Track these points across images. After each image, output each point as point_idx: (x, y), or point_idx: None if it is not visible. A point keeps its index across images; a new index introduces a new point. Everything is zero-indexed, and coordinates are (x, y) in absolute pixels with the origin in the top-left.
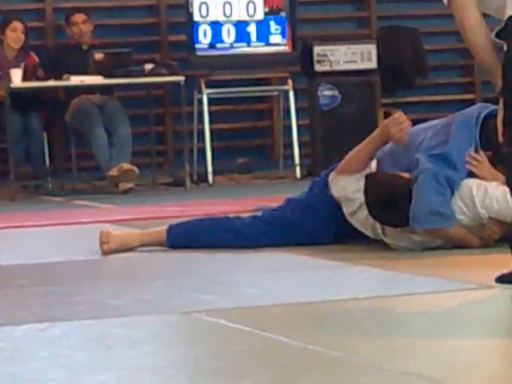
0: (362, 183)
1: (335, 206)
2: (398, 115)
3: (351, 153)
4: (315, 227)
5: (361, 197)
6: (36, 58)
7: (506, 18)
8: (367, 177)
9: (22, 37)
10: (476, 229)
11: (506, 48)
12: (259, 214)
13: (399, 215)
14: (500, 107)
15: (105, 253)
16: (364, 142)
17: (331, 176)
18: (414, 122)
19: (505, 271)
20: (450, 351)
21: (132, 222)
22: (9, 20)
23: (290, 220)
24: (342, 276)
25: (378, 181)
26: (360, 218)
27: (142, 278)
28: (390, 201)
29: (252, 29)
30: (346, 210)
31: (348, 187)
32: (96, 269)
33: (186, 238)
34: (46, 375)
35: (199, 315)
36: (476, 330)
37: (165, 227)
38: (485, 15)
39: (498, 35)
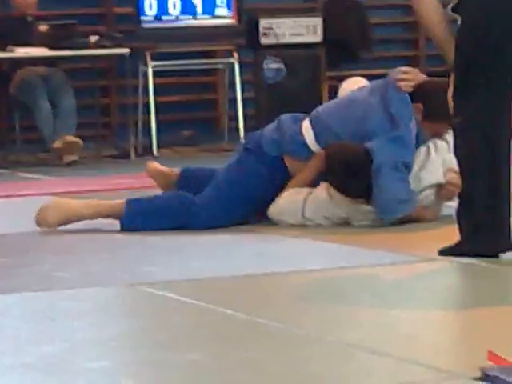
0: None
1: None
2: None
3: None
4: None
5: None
6: None
7: None
8: (327, 147)
9: None
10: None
11: (459, 22)
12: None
13: (358, 185)
14: (451, 81)
15: (49, 225)
16: (298, 178)
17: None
18: None
19: (448, 244)
20: (392, 323)
21: (76, 194)
22: None
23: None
24: (288, 248)
25: (339, 149)
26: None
27: (88, 250)
28: (350, 168)
29: (198, 1)
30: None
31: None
32: (41, 241)
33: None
34: None
35: (145, 287)
36: (419, 302)
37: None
38: None
39: (453, 9)
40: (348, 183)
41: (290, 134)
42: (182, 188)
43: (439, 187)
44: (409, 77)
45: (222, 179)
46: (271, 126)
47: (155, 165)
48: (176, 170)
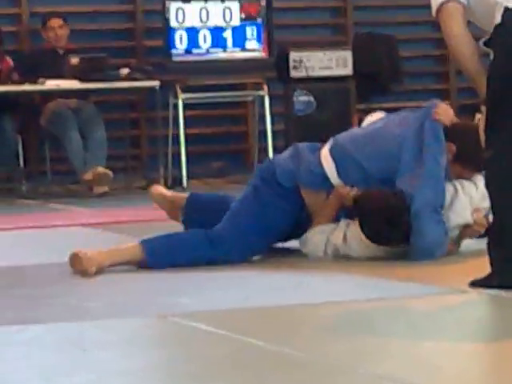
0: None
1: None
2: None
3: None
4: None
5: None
6: (10, 62)
7: (493, 27)
8: (359, 196)
9: None
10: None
11: (492, 57)
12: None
13: (395, 233)
14: (482, 115)
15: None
16: (321, 219)
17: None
18: None
19: (479, 276)
20: (424, 354)
21: (106, 225)
22: None
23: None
24: (318, 280)
25: (370, 197)
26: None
27: (117, 281)
28: (386, 217)
29: (228, 34)
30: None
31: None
32: (69, 272)
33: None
34: (19, 377)
35: (173, 318)
36: (450, 333)
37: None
38: (470, 23)
39: (485, 44)
40: (384, 232)
41: (308, 164)
42: (189, 214)
43: (465, 226)
44: (445, 112)
45: (237, 210)
46: (287, 154)
47: (160, 189)
48: (183, 195)
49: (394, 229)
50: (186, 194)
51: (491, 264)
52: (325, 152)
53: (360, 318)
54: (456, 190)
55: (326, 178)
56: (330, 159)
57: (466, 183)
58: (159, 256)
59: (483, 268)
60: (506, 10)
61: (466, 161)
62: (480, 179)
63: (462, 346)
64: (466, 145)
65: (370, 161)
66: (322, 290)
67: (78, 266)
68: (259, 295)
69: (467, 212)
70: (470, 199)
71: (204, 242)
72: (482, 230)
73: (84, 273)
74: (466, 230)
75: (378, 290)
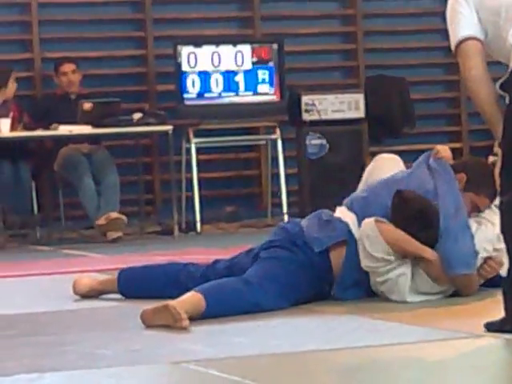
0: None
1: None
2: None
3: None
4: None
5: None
6: (19, 106)
7: (510, 70)
8: (401, 191)
9: (15, 87)
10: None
11: (507, 100)
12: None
13: (430, 234)
14: (497, 158)
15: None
16: (414, 245)
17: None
18: None
19: (494, 319)
20: None
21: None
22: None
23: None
24: (330, 325)
25: (415, 196)
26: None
27: (130, 327)
28: (427, 217)
29: (240, 78)
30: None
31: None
32: (85, 318)
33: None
34: None
35: (189, 365)
36: (466, 379)
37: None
38: (489, 64)
39: (501, 86)
40: (422, 232)
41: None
42: (124, 293)
43: (482, 263)
44: (445, 151)
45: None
46: (310, 223)
47: (84, 281)
48: (111, 278)
49: (428, 229)
50: (113, 276)
51: (505, 308)
52: (341, 209)
53: (374, 365)
54: (479, 221)
55: (348, 231)
56: (349, 213)
57: (483, 221)
58: (217, 305)
59: (491, 310)
60: None
61: (478, 186)
62: (497, 218)
63: None
64: (477, 172)
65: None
66: (335, 336)
67: (167, 318)
68: (272, 341)
69: (489, 244)
70: (493, 230)
71: (249, 291)
72: (499, 269)
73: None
74: (482, 267)
75: (391, 334)
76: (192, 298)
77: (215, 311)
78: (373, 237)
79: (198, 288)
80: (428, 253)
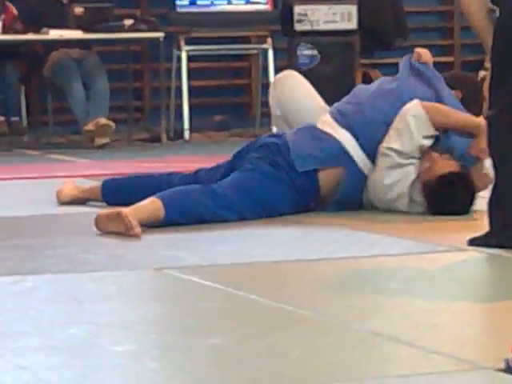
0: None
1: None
2: None
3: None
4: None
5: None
6: (15, 11)
7: None
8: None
9: None
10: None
11: (498, 13)
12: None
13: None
14: (487, 72)
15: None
16: (462, 117)
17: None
18: None
19: (477, 234)
20: (417, 312)
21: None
22: None
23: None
24: (314, 236)
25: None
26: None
27: (115, 234)
28: (447, 194)
29: None
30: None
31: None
32: (69, 224)
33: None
34: (15, 328)
35: (171, 272)
36: (445, 292)
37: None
38: None
39: (492, 1)
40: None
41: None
42: (108, 201)
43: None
44: (425, 54)
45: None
46: (299, 136)
47: (68, 191)
48: (95, 186)
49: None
50: (97, 185)
51: (490, 223)
52: (329, 122)
53: (356, 276)
54: None
55: (343, 152)
56: (341, 129)
57: None
58: (176, 212)
59: (481, 227)
60: None
61: (470, 104)
62: None
63: (456, 305)
64: (470, 89)
65: (373, 107)
66: (316, 247)
67: (119, 226)
68: (256, 250)
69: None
70: None
71: (211, 198)
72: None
73: (129, 232)
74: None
75: (375, 247)
76: (150, 205)
77: (174, 218)
78: (419, 116)
79: (159, 194)
80: (476, 120)
